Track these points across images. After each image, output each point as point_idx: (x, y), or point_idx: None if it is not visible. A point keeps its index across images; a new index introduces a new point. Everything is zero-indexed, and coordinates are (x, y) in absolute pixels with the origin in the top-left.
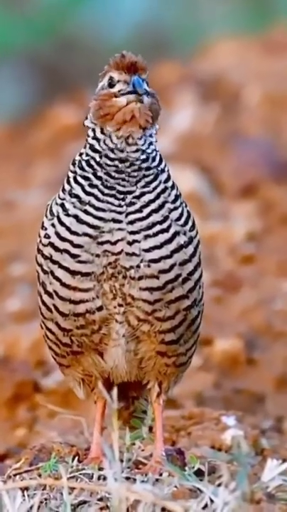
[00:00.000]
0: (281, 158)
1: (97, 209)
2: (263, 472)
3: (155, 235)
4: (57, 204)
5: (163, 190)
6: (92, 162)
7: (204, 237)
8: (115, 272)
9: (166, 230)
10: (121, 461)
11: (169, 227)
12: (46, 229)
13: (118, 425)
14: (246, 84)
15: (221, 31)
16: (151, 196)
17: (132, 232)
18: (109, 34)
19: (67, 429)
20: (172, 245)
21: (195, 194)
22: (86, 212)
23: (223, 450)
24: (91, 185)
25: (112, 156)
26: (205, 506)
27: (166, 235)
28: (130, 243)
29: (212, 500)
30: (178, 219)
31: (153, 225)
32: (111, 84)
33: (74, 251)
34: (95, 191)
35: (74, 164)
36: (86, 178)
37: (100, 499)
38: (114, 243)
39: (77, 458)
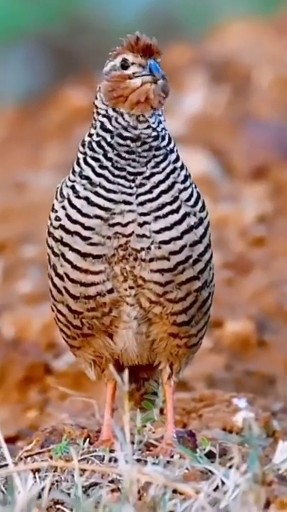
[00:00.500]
0: None
1: (108, 191)
2: (275, 454)
3: (165, 216)
4: (67, 186)
5: (173, 171)
6: (103, 143)
7: (215, 220)
8: (126, 254)
9: (176, 211)
10: (132, 443)
11: (179, 208)
12: (57, 211)
13: (130, 406)
14: (258, 66)
15: (232, 12)
16: (161, 177)
17: (142, 214)
18: (119, 16)
19: (79, 411)
20: (182, 226)
21: (206, 176)
22: (97, 194)
23: (234, 432)
24: (102, 167)
25: (125, 134)
26: (216, 488)
27: (176, 216)
28: (140, 225)
29: (223, 482)
30: (188, 200)
31: (163, 206)
32: (124, 66)
33: (86, 233)
34: (106, 173)
35: (83, 145)
36: (96, 160)
37: (111, 481)
38: (125, 225)
39: (88, 440)
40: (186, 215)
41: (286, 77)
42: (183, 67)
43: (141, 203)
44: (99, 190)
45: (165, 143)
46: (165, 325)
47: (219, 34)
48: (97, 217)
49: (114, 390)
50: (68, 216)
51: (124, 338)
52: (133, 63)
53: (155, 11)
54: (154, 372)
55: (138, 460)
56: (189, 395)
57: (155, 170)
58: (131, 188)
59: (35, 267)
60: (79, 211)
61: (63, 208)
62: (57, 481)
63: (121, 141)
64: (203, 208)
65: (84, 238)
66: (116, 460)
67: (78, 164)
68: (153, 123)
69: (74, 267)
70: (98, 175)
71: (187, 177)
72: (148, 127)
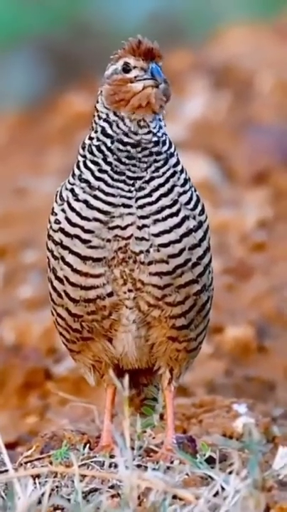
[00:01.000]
0: None
1: (107, 194)
2: (275, 460)
3: (165, 219)
4: (66, 189)
5: (172, 175)
6: (103, 147)
7: (216, 225)
8: (125, 257)
9: (175, 214)
10: (132, 448)
11: (178, 211)
12: (56, 214)
13: (130, 412)
14: (259, 71)
15: (234, 18)
16: (161, 180)
17: (142, 217)
18: (121, 21)
19: (79, 417)
20: (181, 229)
21: (207, 181)
22: (96, 197)
23: (234, 438)
24: (101, 171)
25: (126, 140)
26: (216, 494)
27: (175, 219)
28: (140, 228)
29: (223, 488)
30: (187, 203)
31: (163, 209)
32: (125, 70)
33: (85, 236)
34: (105, 176)
35: (84, 148)
36: (96, 163)
37: (111, 487)
38: (124, 228)
39: (88, 446)
40: (185, 218)
41: None
42: (184, 72)
43: (141, 206)
44: (98, 193)
45: (165, 147)
46: (163, 328)
47: (221, 39)
48: (97, 220)
49: (113, 396)
50: (68, 219)
51: (124, 341)
52: (134, 67)
53: (157, 16)
54: (154, 378)
55: (138, 466)
56: (189, 401)
57: (155, 174)
58: (130, 191)
59: (35, 273)
60: (78, 214)
61: (63, 211)
62: (57, 487)
63: (121, 147)
64: (202, 211)
65: (84, 241)
66: (116, 466)
67: (78, 167)
68: (154, 128)
69: (74, 270)
70: (97, 178)
71: (186, 180)
72: (149, 132)
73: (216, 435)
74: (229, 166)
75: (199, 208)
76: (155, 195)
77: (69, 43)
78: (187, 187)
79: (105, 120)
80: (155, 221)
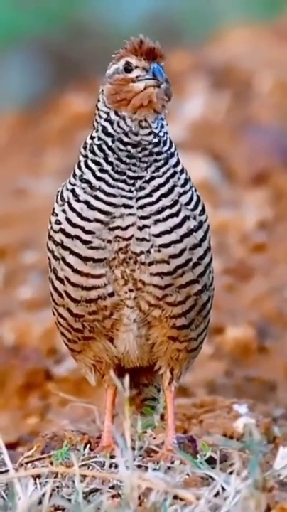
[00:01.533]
0: None
1: (108, 194)
2: (275, 460)
3: (165, 219)
4: (67, 190)
5: (173, 175)
6: (104, 146)
7: (216, 226)
8: (126, 258)
9: (176, 215)
10: (133, 449)
11: (179, 211)
12: (57, 215)
13: (131, 412)
14: (258, 72)
15: (233, 19)
16: (161, 180)
17: (142, 217)
18: (120, 21)
19: (79, 417)
20: (182, 230)
21: (207, 182)
22: (96, 197)
23: (235, 438)
24: (102, 171)
25: (126, 139)
26: (217, 494)
27: (176, 220)
28: (140, 228)
29: (223, 488)
30: (188, 203)
31: (163, 209)
32: (127, 69)
33: (86, 237)
34: (106, 176)
35: (85, 148)
36: (97, 163)
37: (112, 487)
38: (125, 228)
39: (88, 446)
40: (186, 218)
41: None
42: (184, 73)
43: (141, 207)
44: (99, 194)
45: (166, 147)
46: (164, 328)
47: (220, 40)
48: (97, 221)
49: (114, 396)
50: (68, 220)
51: (125, 341)
52: (136, 67)
53: (155, 16)
54: (154, 378)
55: (139, 466)
56: (189, 401)
57: (156, 174)
58: (131, 191)
59: (35, 273)
60: (79, 215)
61: (63, 211)
62: (57, 487)
63: (121, 147)
64: (203, 211)
65: (85, 242)
66: (116, 466)
67: (79, 167)
68: (156, 128)
69: (75, 271)
70: (98, 178)
71: (187, 180)
72: (150, 133)
73: (216, 435)
74: (228, 167)
75: (200, 208)
76: (156, 195)
77: (67, 44)
78: (187, 187)
79: (106, 120)
80: (156, 221)
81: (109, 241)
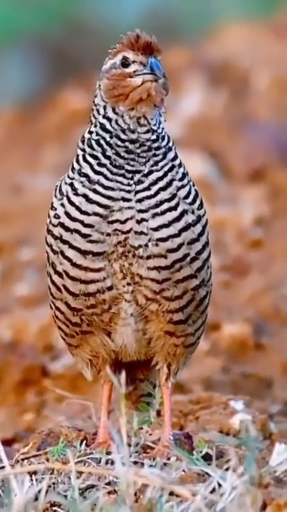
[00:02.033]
0: None
1: (106, 188)
2: (272, 456)
3: (163, 213)
4: (66, 183)
5: (171, 169)
6: (102, 141)
7: (213, 222)
8: (125, 251)
9: (174, 208)
10: (129, 445)
11: (177, 205)
12: (56, 209)
13: (127, 407)
14: (256, 69)
15: (231, 16)
16: (159, 174)
17: (141, 211)
18: (117, 18)
19: (75, 414)
20: (180, 224)
21: (204, 179)
22: (95, 191)
23: (231, 434)
24: (100, 165)
25: (123, 137)
26: (213, 490)
27: (174, 213)
28: (139, 222)
29: (219, 485)
30: (186, 197)
31: (161, 203)
32: (124, 64)
33: (85, 231)
34: (104, 170)
35: (83, 142)
36: (95, 157)
37: (108, 483)
38: (124, 222)
39: (84, 442)
40: (184, 212)
41: (284, 79)
42: (181, 69)
43: (140, 200)
44: (98, 187)
45: (164, 142)
46: (161, 323)
47: (217, 37)
48: (96, 214)
49: (110, 392)
50: (67, 214)
51: (123, 335)
52: (133, 61)
53: (153, 13)
54: (151, 373)
55: (135, 462)
56: (186, 397)
57: (154, 168)
58: (129, 185)
59: (32, 270)
60: (78, 208)
61: (62, 205)
62: (53, 484)
63: (119, 143)
64: (201, 205)
65: (84, 235)
66: (112, 462)
67: (77, 161)
68: (154, 124)
69: (74, 265)
70: (96, 172)
71: (184, 175)
72: (148, 131)
73: (213, 432)
74: (225, 163)
75: (198, 202)
76: (154, 188)
77: (65, 41)
78: (185, 181)
79: (104, 116)
80: (154, 215)
81: (108, 234)
